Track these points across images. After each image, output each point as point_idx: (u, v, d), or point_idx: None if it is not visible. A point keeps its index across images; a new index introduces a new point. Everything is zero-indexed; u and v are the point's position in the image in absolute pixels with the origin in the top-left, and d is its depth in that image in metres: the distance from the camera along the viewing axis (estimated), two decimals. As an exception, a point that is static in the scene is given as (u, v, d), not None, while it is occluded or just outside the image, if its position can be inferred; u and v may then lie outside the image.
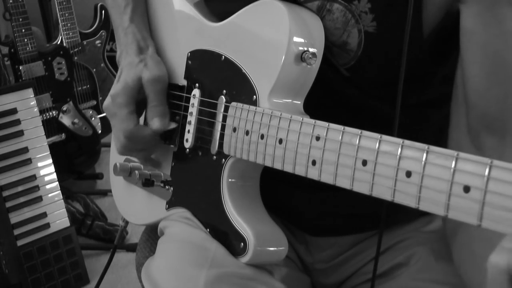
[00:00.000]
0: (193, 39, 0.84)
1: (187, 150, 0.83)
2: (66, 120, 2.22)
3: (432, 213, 0.50)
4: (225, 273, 0.71)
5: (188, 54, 0.84)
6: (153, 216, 0.90)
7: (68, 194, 2.19)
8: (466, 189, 0.47)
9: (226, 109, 0.76)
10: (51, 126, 2.17)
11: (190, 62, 0.84)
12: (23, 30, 2.05)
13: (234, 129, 0.73)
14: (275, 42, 0.70)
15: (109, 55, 2.52)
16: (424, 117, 0.81)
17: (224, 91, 0.77)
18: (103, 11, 2.52)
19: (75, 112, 2.24)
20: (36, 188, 1.73)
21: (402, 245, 0.85)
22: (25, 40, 2.06)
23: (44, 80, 2.14)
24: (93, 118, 2.45)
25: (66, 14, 2.31)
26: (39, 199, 1.74)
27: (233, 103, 0.75)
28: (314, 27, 0.72)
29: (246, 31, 0.76)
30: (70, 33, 2.34)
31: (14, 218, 1.69)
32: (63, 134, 2.21)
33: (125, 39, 0.87)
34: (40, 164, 1.75)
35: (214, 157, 0.78)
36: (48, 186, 1.76)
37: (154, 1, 0.92)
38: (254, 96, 0.72)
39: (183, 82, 0.85)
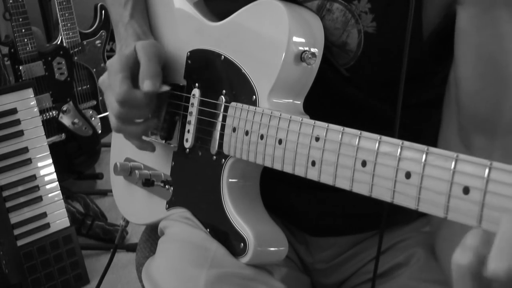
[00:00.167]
0: (192, 39, 0.84)
1: (187, 150, 0.83)
2: (66, 120, 2.22)
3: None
4: (225, 273, 0.71)
5: (187, 53, 0.84)
6: (153, 216, 0.90)
7: (68, 194, 2.19)
8: (466, 190, 0.47)
9: (226, 109, 0.76)
10: (51, 126, 2.17)
11: (189, 61, 0.84)
12: (23, 30, 2.05)
13: (234, 129, 0.73)
14: (274, 42, 0.70)
15: (109, 55, 2.52)
16: (424, 117, 0.81)
17: (224, 91, 0.77)
18: (103, 11, 2.52)
19: (75, 112, 2.24)
20: (36, 188, 1.73)
21: (402, 245, 0.85)
22: (25, 40, 2.06)
23: (44, 80, 2.14)
24: (93, 118, 2.45)
25: (66, 14, 2.31)
26: (39, 199, 1.74)
27: (233, 103, 0.75)
28: (314, 26, 0.72)
29: (246, 30, 0.75)
30: (70, 33, 2.34)
31: (14, 218, 1.69)
32: (63, 134, 2.21)
33: (125, 34, 0.86)
34: (40, 164, 1.75)
35: (214, 157, 0.78)
36: (48, 186, 1.76)
37: (154, 0, 0.92)
38: (254, 96, 0.72)
39: (183, 82, 0.85)
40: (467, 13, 0.66)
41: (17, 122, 1.72)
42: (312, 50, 0.70)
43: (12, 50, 2.06)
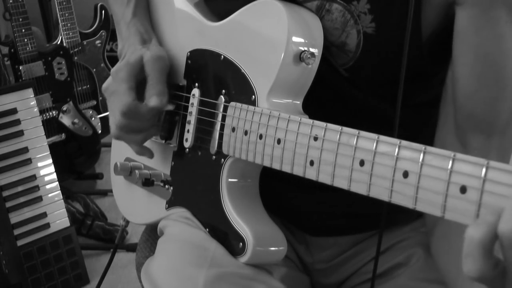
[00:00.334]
0: (192, 39, 0.84)
1: (187, 149, 0.83)
2: (66, 120, 2.22)
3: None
4: (224, 273, 0.71)
5: (187, 53, 0.85)
6: (153, 216, 0.90)
7: (68, 194, 2.19)
8: (463, 189, 0.47)
9: (225, 109, 0.76)
10: (51, 126, 2.17)
11: (189, 61, 0.84)
12: (23, 30, 2.04)
13: (233, 129, 0.74)
14: (273, 42, 0.70)
15: (109, 55, 2.52)
16: (424, 117, 0.81)
17: (224, 91, 0.77)
18: (103, 11, 2.52)
19: (75, 112, 2.24)
20: (36, 188, 1.73)
21: (401, 245, 0.85)
22: (25, 40, 2.06)
23: (44, 80, 2.14)
24: (93, 118, 2.45)
25: (66, 14, 2.31)
26: (39, 199, 1.74)
27: (232, 103, 0.75)
28: (313, 27, 0.72)
29: (245, 30, 0.76)
30: (70, 33, 2.34)
31: (14, 218, 1.69)
32: (63, 134, 2.21)
33: (128, 32, 0.87)
34: (40, 164, 1.75)
35: (214, 157, 0.78)
36: (48, 186, 1.76)
37: (155, 0, 0.92)
38: (253, 96, 0.72)
39: (182, 81, 0.85)
40: (466, 13, 0.66)
41: (17, 122, 1.72)
42: (311, 50, 0.70)
43: (12, 50, 2.06)
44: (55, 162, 1.78)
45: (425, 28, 0.71)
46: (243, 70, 0.75)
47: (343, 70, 0.76)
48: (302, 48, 0.70)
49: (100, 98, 2.49)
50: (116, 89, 0.82)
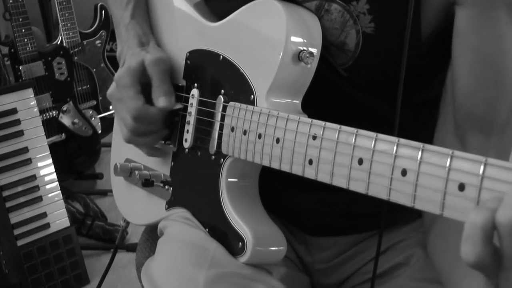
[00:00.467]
0: (192, 39, 0.84)
1: (186, 150, 0.83)
2: (66, 120, 2.22)
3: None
4: (224, 272, 0.71)
5: (187, 54, 0.85)
6: (153, 216, 0.90)
7: (68, 194, 2.19)
8: (461, 187, 0.47)
9: (225, 108, 0.76)
10: (51, 126, 2.17)
11: (189, 62, 0.85)
12: (23, 30, 2.04)
13: (232, 129, 0.74)
14: (272, 41, 0.70)
15: (109, 55, 2.52)
16: (424, 117, 0.81)
17: (223, 90, 0.77)
18: (103, 11, 2.52)
19: (75, 112, 2.24)
20: (36, 188, 1.73)
21: (402, 245, 0.85)
22: (25, 40, 2.06)
23: (44, 80, 2.14)
24: (93, 118, 2.45)
25: (66, 14, 2.31)
26: (39, 199, 1.74)
27: (231, 103, 0.75)
28: (312, 26, 0.72)
29: (244, 30, 0.76)
30: (70, 33, 2.35)
31: (14, 218, 1.69)
32: (63, 134, 2.21)
33: (127, 35, 0.87)
34: (40, 164, 1.75)
35: (213, 157, 0.78)
36: (48, 186, 1.76)
37: (154, 0, 0.92)
38: (252, 96, 0.72)
39: (182, 82, 0.85)
40: (466, 13, 0.66)
41: (17, 122, 1.72)
42: (310, 49, 0.70)
43: (12, 50, 2.06)
44: (55, 162, 1.78)
45: (425, 28, 0.71)
46: (242, 70, 0.75)
47: (342, 70, 0.76)
48: (301, 48, 0.70)
49: (100, 98, 2.49)
50: (122, 96, 0.82)
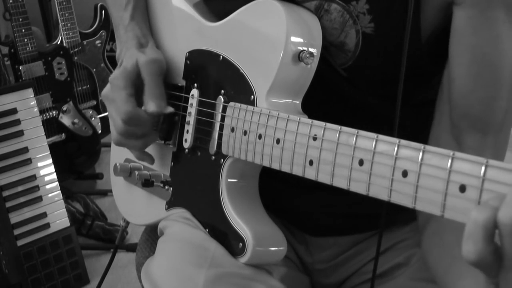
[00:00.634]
0: (191, 39, 0.84)
1: (186, 150, 0.83)
2: (66, 120, 2.22)
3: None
4: (224, 273, 0.71)
5: (186, 54, 0.84)
6: (153, 216, 0.90)
7: (68, 194, 2.19)
8: (462, 188, 0.47)
9: (224, 109, 0.76)
10: (51, 126, 2.17)
11: (188, 62, 0.84)
12: (23, 30, 2.05)
13: (232, 129, 0.73)
14: (272, 42, 0.70)
15: (109, 55, 2.52)
16: (424, 117, 0.81)
17: (223, 91, 0.77)
18: (103, 11, 2.52)
19: (75, 112, 2.24)
20: (36, 188, 1.73)
21: (402, 245, 0.85)
22: (25, 40, 2.06)
23: (44, 80, 2.14)
24: (93, 118, 2.45)
25: (66, 14, 2.31)
26: (39, 199, 1.74)
27: (231, 103, 0.75)
28: (312, 26, 0.72)
29: (244, 30, 0.76)
30: (70, 33, 2.35)
31: (14, 218, 1.69)
32: (63, 134, 2.21)
33: (126, 36, 0.87)
34: (40, 164, 1.75)
35: (213, 157, 0.78)
36: (48, 186, 1.76)
37: (153, 0, 0.92)
38: (252, 96, 0.72)
39: (182, 82, 0.85)
40: (464, 13, 0.66)
41: (17, 122, 1.72)
42: (310, 49, 0.70)
43: (12, 50, 2.06)
44: (55, 162, 1.78)
45: (425, 28, 0.71)
46: (242, 70, 0.75)
47: (342, 70, 0.76)
48: (301, 48, 0.70)
49: (100, 98, 2.49)
50: (115, 97, 0.82)
